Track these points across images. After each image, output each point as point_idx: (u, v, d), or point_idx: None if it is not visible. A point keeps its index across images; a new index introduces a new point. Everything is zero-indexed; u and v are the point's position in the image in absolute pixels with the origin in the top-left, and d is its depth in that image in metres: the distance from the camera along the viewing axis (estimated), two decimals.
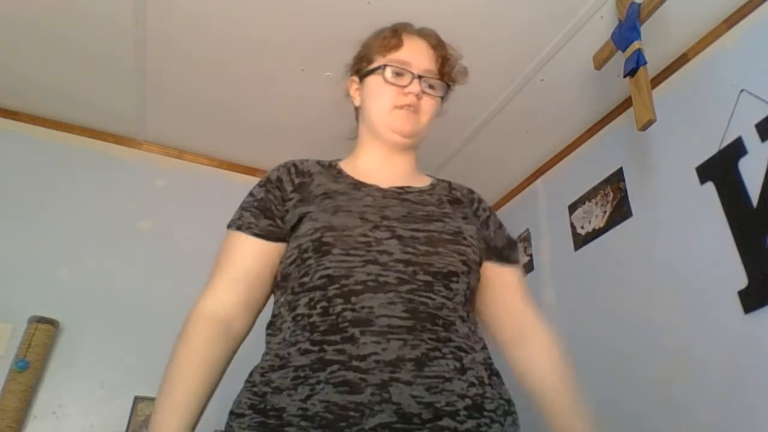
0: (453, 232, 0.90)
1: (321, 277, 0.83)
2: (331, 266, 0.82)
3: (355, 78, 1.08)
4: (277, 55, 1.92)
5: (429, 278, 0.83)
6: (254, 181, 2.73)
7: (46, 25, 1.83)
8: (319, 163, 1.02)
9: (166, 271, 2.16)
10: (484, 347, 0.89)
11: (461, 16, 1.73)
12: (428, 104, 1.00)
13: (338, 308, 0.79)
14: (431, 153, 2.34)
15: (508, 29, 1.77)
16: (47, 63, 1.99)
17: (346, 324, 0.78)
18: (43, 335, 1.84)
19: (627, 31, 1.59)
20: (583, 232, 2.09)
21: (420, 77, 0.98)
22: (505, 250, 1.02)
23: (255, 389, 0.80)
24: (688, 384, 1.52)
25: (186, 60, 1.95)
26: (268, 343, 0.87)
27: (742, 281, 1.44)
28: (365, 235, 0.85)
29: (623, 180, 1.95)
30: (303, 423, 0.72)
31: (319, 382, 0.75)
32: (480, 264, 0.95)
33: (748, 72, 1.57)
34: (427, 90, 1.00)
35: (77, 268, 2.06)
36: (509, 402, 0.86)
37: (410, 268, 0.83)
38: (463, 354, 0.81)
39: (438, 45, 1.05)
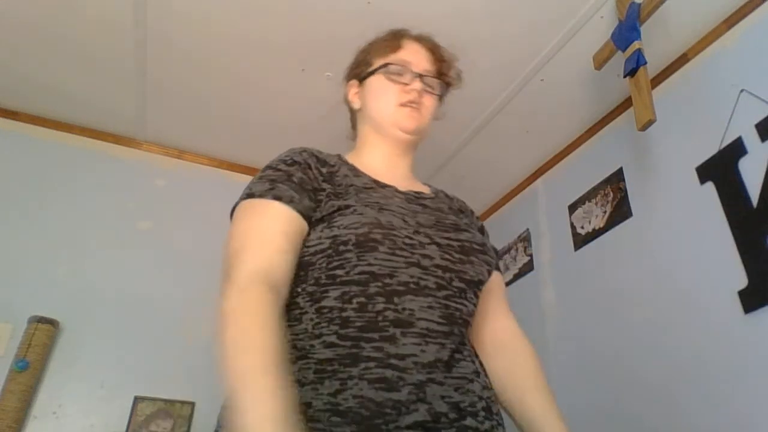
0: (480, 243, 0.94)
1: (362, 273, 0.80)
2: (375, 263, 0.81)
3: (355, 81, 1.09)
4: (277, 56, 1.92)
5: (463, 285, 0.86)
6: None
7: (47, 25, 1.83)
8: (340, 158, 1.00)
9: (166, 271, 2.16)
10: (477, 354, 0.92)
11: (461, 16, 1.73)
12: (429, 102, 1.03)
13: (379, 306, 0.78)
14: (431, 153, 2.34)
15: (508, 29, 1.77)
16: (47, 63, 1.99)
17: (387, 323, 0.77)
18: (43, 335, 1.84)
19: (627, 31, 1.59)
20: (583, 232, 2.09)
21: (421, 76, 1.01)
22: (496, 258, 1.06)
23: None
24: (688, 384, 1.52)
25: (186, 60, 1.95)
26: (286, 336, 0.77)
27: (742, 281, 1.44)
28: (410, 238, 0.85)
29: (623, 180, 1.95)
30: (334, 419, 0.70)
31: (351, 378, 0.73)
32: None
33: (748, 72, 1.57)
34: (428, 88, 1.02)
35: (77, 268, 2.06)
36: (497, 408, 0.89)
37: (447, 275, 0.85)
38: (476, 358, 0.86)
39: (435, 48, 1.08)
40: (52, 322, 1.88)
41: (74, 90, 2.12)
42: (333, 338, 0.76)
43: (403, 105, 0.99)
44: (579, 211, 2.14)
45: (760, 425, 1.31)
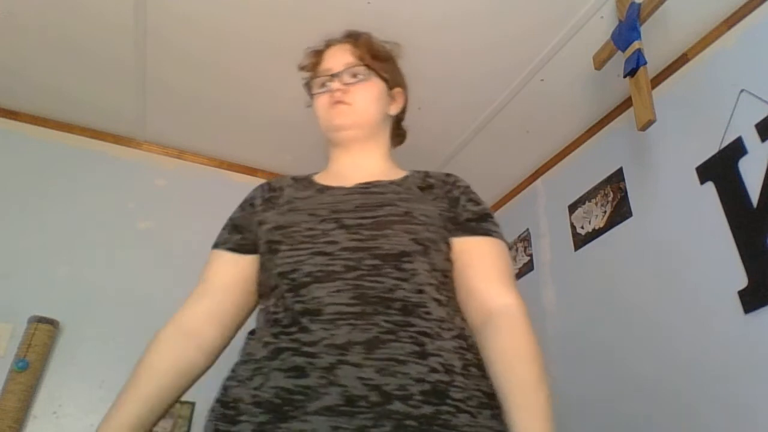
0: (401, 213, 0.89)
1: (276, 276, 0.86)
2: (281, 263, 0.86)
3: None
4: (277, 56, 1.92)
5: (378, 261, 0.83)
6: (254, 180, 2.74)
7: (47, 25, 1.83)
8: (294, 178, 1.07)
9: (166, 271, 2.16)
10: (460, 336, 0.84)
11: (461, 16, 1.73)
12: (359, 92, 1.03)
13: (289, 301, 0.83)
14: (431, 153, 2.34)
15: (508, 29, 1.77)
16: (47, 63, 1.99)
17: (299, 314, 0.81)
18: (43, 335, 1.84)
19: (627, 31, 1.59)
20: (583, 232, 2.09)
21: (338, 74, 1.03)
22: (472, 222, 0.96)
23: (224, 384, 0.84)
24: (687, 384, 1.52)
25: (186, 60, 1.95)
26: (244, 346, 0.90)
27: (742, 281, 1.44)
28: (312, 229, 0.87)
29: (623, 180, 1.95)
30: (255, 410, 0.75)
31: (272, 370, 0.77)
32: (446, 243, 0.92)
33: (748, 72, 1.57)
34: (351, 80, 1.03)
35: (77, 268, 2.06)
36: (490, 396, 0.80)
37: (357, 254, 0.83)
38: (427, 339, 0.79)
39: (351, 37, 1.10)
40: (52, 322, 1.88)
41: (74, 90, 2.12)
42: (268, 337, 0.82)
43: (330, 108, 1.03)
44: (579, 211, 2.14)
45: (761, 425, 1.31)
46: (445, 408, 0.74)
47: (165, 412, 0.86)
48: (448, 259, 0.92)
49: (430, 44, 1.83)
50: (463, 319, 0.89)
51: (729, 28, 1.67)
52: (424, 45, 1.84)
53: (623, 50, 1.62)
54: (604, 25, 1.72)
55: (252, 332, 0.91)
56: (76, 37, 1.87)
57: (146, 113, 2.23)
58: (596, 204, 2.06)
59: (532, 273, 2.31)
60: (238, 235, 0.99)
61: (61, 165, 2.22)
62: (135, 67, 1.99)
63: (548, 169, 2.39)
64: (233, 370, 0.85)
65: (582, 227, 2.10)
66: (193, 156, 2.45)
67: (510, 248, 2.52)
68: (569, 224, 2.17)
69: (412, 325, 0.79)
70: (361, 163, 1.04)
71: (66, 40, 1.89)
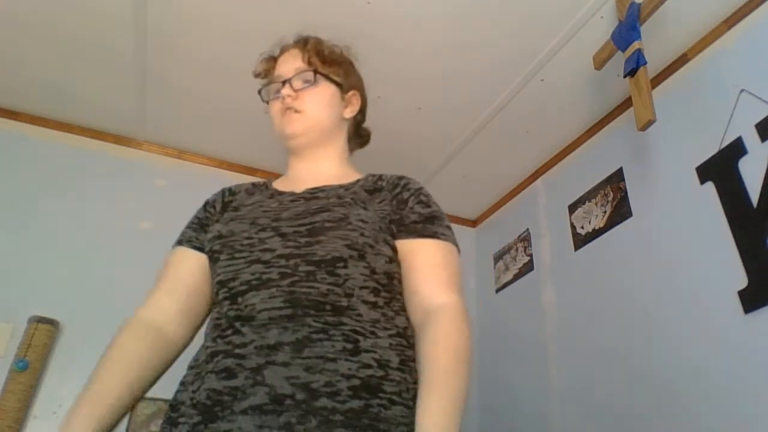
0: (336, 219, 0.89)
1: (216, 284, 0.89)
2: (221, 272, 0.89)
3: None
4: None
5: (312, 268, 0.84)
6: (254, 181, 2.72)
7: (46, 24, 1.83)
8: (253, 183, 1.09)
9: None
10: (399, 335, 0.85)
11: (461, 16, 1.73)
12: (308, 98, 1.03)
13: (225, 309, 0.85)
14: (431, 153, 2.35)
15: (508, 29, 1.77)
16: (47, 63, 1.99)
17: (233, 321, 0.83)
18: (43, 335, 1.84)
19: (627, 31, 1.59)
20: (583, 232, 2.09)
21: (288, 81, 1.03)
22: (417, 224, 0.95)
23: (177, 389, 0.87)
24: (687, 384, 1.52)
25: (186, 60, 1.95)
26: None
27: (742, 281, 1.44)
28: (250, 238, 0.89)
29: (623, 180, 1.95)
30: (190, 411, 0.78)
31: (207, 373, 0.80)
32: (388, 245, 0.92)
33: (748, 72, 1.57)
34: (302, 86, 1.03)
35: (77, 268, 2.06)
36: None
37: (292, 261, 0.85)
38: (360, 337, 0.80)
39: (301, 42, 1.10)
40: (52, 322, 1.88)
41: (74, 90, 2.12)
42: (209, 342, 0.86)
43: (281, 117, 1.03)
44: (579, 211, 2.14)
45: (761, 425, 1.31)
46: (376, 401, 0.75)
47: (129, 409, 0.89)
48: (392, 261, 0.92)
49: (430, 44, 1.83)
50: (407, 319, 0.90)
51: (729, 28, 1.67)
52: (423, 45, 1.84)
53: (623, 50, 1.61)
54: (604, 25, 1.72)
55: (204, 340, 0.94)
56: (76, 36, 1.87)
57: (146, 113, 2.23)
58: (596, 204, 2.06)
59: (532, 273, 2.31)
60: (204, 234, 1.01)
61: (61, 165, 2.22)
62: (135, 67, 1.99)
63: (548, 169, 2.39)
64: (183, 377, 0.88)
65: (582, 227, 2.10)
66: (193, 156, 2.45)
67: (510, 248, 2.52)
68: (569, 224, 2.17)
69: (344, 324, 0.81)
70: (315, 167, 1.05)
71: (66, 39, 1.89)
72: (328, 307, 0.81)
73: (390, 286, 0.90)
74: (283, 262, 0.84)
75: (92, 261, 2.09)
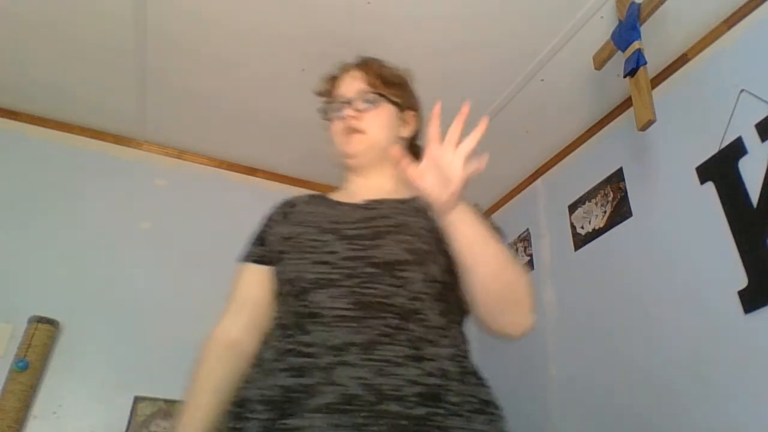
0: (397, 224, 0.93)
1: (283, 282, 0.93)
2: (287, 270, 0.93)
3: None
4: (278, 55, 1.92)
5: (373, 270, 0.87)
6: (254, 180, 2.73)
7: (47, 24, 1.83)
8: (312, 195, 1.12)
9: (166, 271, 2.16)
10: (457, 345, 0.89)
11: (461, 16, 1.73)
12: (371, 119, 1.08)
13: (294, 305, 0.88)
14: None
15: (508, 29, 1.77)
16: (47, 63, 1.99)
17: (300, 318, 0.86)
18: (43, 335, 1.84)
19: (627, 31, 1.59)
20: (583, 232, 2.09)
21: (351, 101, 1.08)
22: None
23: (238, 388, 0.90)
24: (688, 384, 1.52)
25: (186, 60, 1.95)
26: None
27: (742, 281, 1.44)
28: (314, 240, 0.93)
29: (623, 180, 1.95)
30: (259, 407, 0.80)
31: (276, 370, 0.83)
32: (444, 256, 0.92)
33: (748, 72, 1.57)
34: (363, 106, 1.08)
35: (77, 268, 2.06)
36: (486, 403, 0.85)
37: (354, 263, 0.88)
38: (423, 344, 0.82)
39: (364, 64, 1.15)
40: (52, 322, 1.88)
41: (74, 90, 2.12)
42: (275, 342, 0.88)
43: (343, 136, 1.08)
44: (579, 211, 2.14)
45: (761, 425, 1.31)
46: (439, 410, 0.77)
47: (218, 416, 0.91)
48: (449, 272, 0.93)
49: (430, 44, 1.83)
50: (463, 331, 0.95)
51: (729, 28, 1.67)
52: (423, 45, 1.84)
53: (623, 50, 1.61)
54: (604, 25, 1.72)
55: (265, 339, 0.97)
56: (76, 36, 1.87)
57: (146, 113, 2.23)
58: (596, 204, 2.06)
59: (532, 273, 2.31)
60: (261, 248, 1.05)
61: (61, 165, 2.22)
62: (135, 67, 1.99)
63: (548, 169, 2.39)
64: (246, 375, 0.90)
65: (582, 227, 2.10)
66: (193, 156, 2.45)
67: (510, 248, 2.52)
68: (569, 224, 2.17)
69: (410, 330, 0.83)
70: (372, 184, 1.08)
71: (66, 39, 1.89)
72: (393, 310, 0.84)
73: (448, 295, 0.93)
74: (347, 263, 0.88)
75: (92, 261, 2.09)
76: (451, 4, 1.70)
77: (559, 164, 2.33)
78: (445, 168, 0.84)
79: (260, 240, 1.07)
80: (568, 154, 2.28)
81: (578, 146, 2.23)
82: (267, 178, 2.53)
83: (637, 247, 1.82)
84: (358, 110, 1.07)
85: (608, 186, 2.02)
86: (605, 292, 1.91)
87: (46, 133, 2.25)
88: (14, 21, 1.83)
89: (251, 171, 2.51)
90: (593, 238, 2.02)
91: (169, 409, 1.93)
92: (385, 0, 1.69)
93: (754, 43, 1.58)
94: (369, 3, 1.70)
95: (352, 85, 1.11)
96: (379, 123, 1.08)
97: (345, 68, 1.16)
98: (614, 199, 1.97)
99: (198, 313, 2.10)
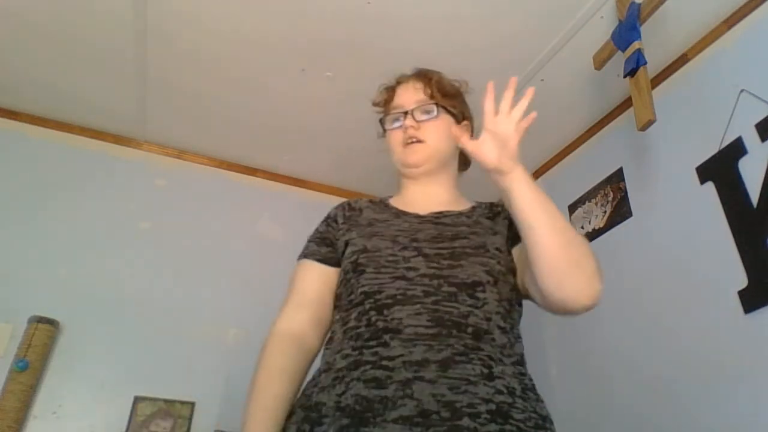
0: (476, 246, 0.97)
1: (360, 294, 0.94)
2: (366, 284, 0.94)
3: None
4: (278, 55, 1.92)
5: (453, 289, 0.90)
6: (254, 181, 2.73)
7: (47, 24, 1.83)
8: (371, 201, 1.14)
9: (166, 271, 2.16)
10: (519, 362, 0.92)
11: (461, 16, 1.73)
12: (430, 129, 1.10)
13: (373, 319, 0.89)
14: None
15: (508, 29, 1.77)
16: (47, 63, 1.99)
17: (380, 332, 0.87)
18: (43, 335, 1.84)
19: (627, 31, 1.59)
20: (583, 232, 2.09)
21: (410, 112, 1.10)
22: None
23: (306, 391, 0.91)
24: (688, 384, 1.52)
25: (186, 60, 1.95)
26: (323, 356, 0.98)
27: (742, 281, 1.44)
28: (394, 255, 0.95)
29: (623, 180, 1.95)
30: (337, 413, 0.82)
31: (352, 380, 0.84)
32: (512, 273, 1.00)
33: (748, 72, 1.57)
34: (423, 117, 1.10)
35: (77, 268, 2.06)
36: (544, 418, 0.88)
37: (435, 281, 0.91)
38: (493, 363, 0.86)
39: (423, 76, 1.16)
40: (52, 322, 1.88)
41: (74, 90, 2.12)
42: (348, 350, 0.89)
43: (404, 146, 1.10)
44: (579, 211, 2.14)
45: (761, 425, 1.31)
46: (508, 427, 0.80)
47: (287, 411, 0.92)
48: (514, 290, 1.00)
49: (430, 44, 1.83)
50: (522, 345, 0.99)
51: (729, 28, 1.67)
52: (423, 45, 1.84)
53: (623, 50, 1.61)
54: (604, 25, 1.71)
55: (327, 343, 0.99)
56: (76, 37, 1.87)
57: (146, 113, 2.23)
58: (596, 204, 2.06)
59: None
60: (326, 248, 1.07)
61: (61, 165, 2.22)
62: (135, 67, 1.99)
63: (548, 169, 2.39)
64: (314, 379, 0.92)
65: (582, 227, 2.10)
66: (193, 156, 2.45)
67: None
68: None
69: (482, 349, 0.86)
70: (431, 191, 1.11)
71: (66, 40, 1.89)
72: (469, 330, 0.87)
73: (512, 312, 0.99)
74: (426, 281, 0.91)
75: (92, 261, 2.09)
76: (451, 5, 1.70)
77: (559, 164, 2.33)
78: (501, 134, 0.92)
79: (324, 240, 1.08)
80: (568, 154, 2.28)
81: (578, 146, 2.23)
82: (267, 178, 2.53)
83: (637, 247, 1.82)
84: (417, 121, 1.09)
85: (608, 186, 2.02)
86: (605, 292, 1.90)
87: (46, 133, 2.25)
88: (14, 21, 1.83)
89: (251, 171, 2.51)
90: (593, 238, 2.02)
91: (169, 409, 1.93)
92: (385, 1, 1.69)
93: (754, 43, 1.58)
94: (369, 3, 1.70)
95: (411, 96, 1.13)
96: (438, 133, 1.10)
97: (402, 79, 1.18)
98: (614, 199, 1.97)
99: (198, 313, 2.12)
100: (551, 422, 0.90)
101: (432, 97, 1.12)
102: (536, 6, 1.68)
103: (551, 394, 2.00)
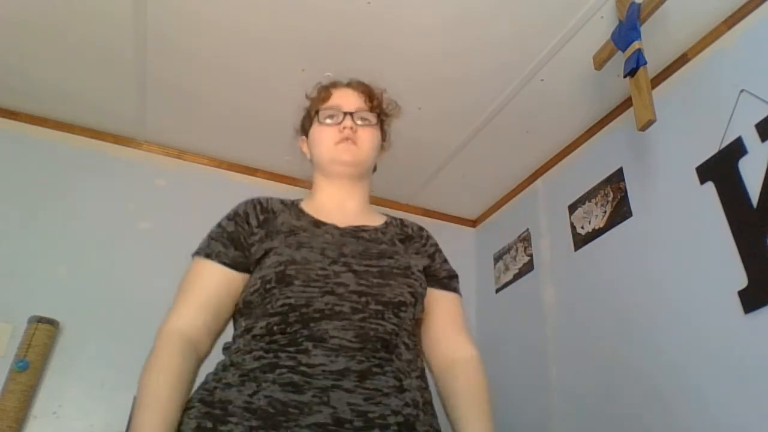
0: (403, 267, 0.99)
1: (283, 305, 0.91)
2: (292, 296, 0.91)
3: (304, 137, 1.22)
4: (278, 55, 1.92)
5: (380, 307, 0.92)
6: (254, 181, 2.73)
7: (47, 25, 1.83)
8: (282, 201, 1.12)
9: (166, 271, 2.14)
10: (421, 376, 0.96)
11: (461, 16, 1.73)
12: (365, 134, 1.12)
13: (296, 328, 0.88)
14: (432, 153, 2.34)
15: (507, 29, 1.77)
16: (48, 63, 1.99)
17: (302, 339, 0.87)
18: (43, 335, 1.84)
19: (627, 31, 1.59)
20: (583, 232, 2.09)
21: (350, 113, 1.11)
22: (446, 280, 1.12)
23: (206, 386, 0.89)
24: (688, 384, 1.52)
25: (186, 60, 1.95)
26: (224, 357, 0.95)
27: (742, 281, 1.44)
28: (324, 269, 0.94)
29: (623, 180, 1.95)
30: (246, 414, 0.80)
31: (266, 382, 0.83)
32: (424, 296, 1.03)
33: (748, 72, 1.57)
34: (360, 122, 1.12)
35: (77, 268, 2.06)
36: None
37: (363, 299, 0.92)
38: (402, 376, 0.89)
39: (363, 86, 1.19)
40: (52, 322, 1.88)
41: (74, 90, 2.12)
42: (261, 352, 0.87)
43: (338, 143, 1.10)
44: (579, 211, 2.14)
45: (761, 425, 1.31)
46: None
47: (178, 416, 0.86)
48: (422, 309, 1.04)
49: (430, 44, 1.83)
50: (422, 361, 1.01)
51: (729, 28, 1.67)
52: (424, 45, 1.84)
53: (623, 50, 1.61)
54: (604, 25, 1.72)
55: (226, 349, 0.96)
56: (76, 36, 1.87)
57: (146, 113, 2.23)
58: (596, 204, 2.06)
59: (532, 273, 2.31)
60: (234, 251, 1.01)
61: (61, 165, 2.22)
62: (135, 68, 1.99)
63: (548, 169, 2.39)
64: (216, 374, 0.90)
65: (582, 227, 2.10)
66: (193, 156, 2.45)
67: (510, 248, 2.52)
68: (569, 224, 2.17)
69: (393, 362, 0.89)
70: (347, 201, 1.12)
71: (66, 39, 1.89)
72: (386, 345, 0.90)
73: (415, 330, 1.01)
74: (355, 297, 0.91)
75: (92, 261, 2.09)
76: (451, 5, 1.70)
77: (559, 164, 2.33)
78: None
79: (233, 241, 1.02)
80: (568, 154, 2.28)
81: (578, 146, 2.23)
82: (267, 178, 2.53)
83: (637, 247, 1.82)
84: (356, 124, 1.11)
85: (608, 186, 2.02)
86: (605, 292, 1.91)
87: (46, 133, 2.25)
88: (15, 22, 1.83)
89: (251, 171, 2.51)
90: (593, 238, 2.02)
91: None
92: (385, 1, 1.69)
93: (754, 43, 1.58)
94: (369, 3, 1.70)
95: (353, 100, 1.14)
96: (371, 142, 1.13)
97: (337, 83, 1.20)
98: (614, 199, 1.97)
99: None
100: None
101: (372, 108, 1.15)
102: (536, 6, 1.68)
103: (551, 394, 2.02)
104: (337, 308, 0.90)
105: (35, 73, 2.04)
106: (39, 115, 2.25)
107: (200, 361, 0.94)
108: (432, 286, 1.08)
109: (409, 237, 1.13)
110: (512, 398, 2.18)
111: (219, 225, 1.08)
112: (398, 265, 0.99)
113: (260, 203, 1.10)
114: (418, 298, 0.99)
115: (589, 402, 1.84)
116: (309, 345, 0.86)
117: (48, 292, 1.97)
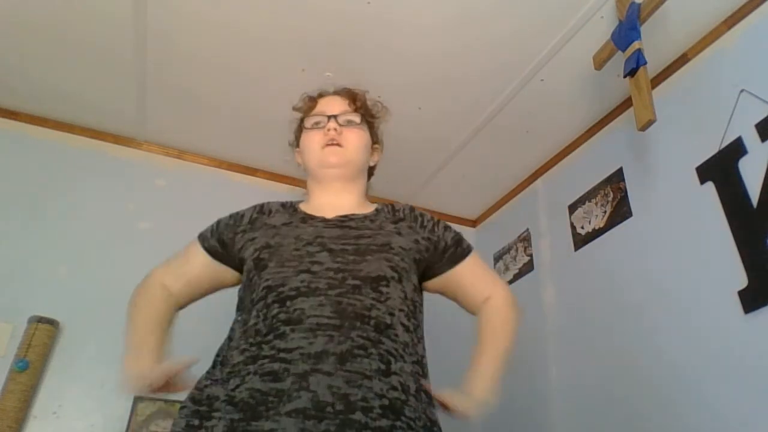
0: (380, 244, 1.00)
1: (263, 289, 0.94)
2: (269, 278, 0.95)
3: (297, 148, 1.26)
4: (278, 55, 1.92)
5: (358, 282, 0.93)
6: (254, 181, 2.73)
7: (47, 24, 1.83)
8: (282, 204, 1.17)
9: None
10: (418, 362, 0.95)
11: (461, 16, 1.73)
12: (351, 135, 1.15)
13: (274, 311, 0.90)
14: (432, 152, 2.34)
15: (507, 29, 1.77)
16: (48, 63, 1.99)
17: (280, 323, 0.88)
18: (43, 335, 1.84)
19: (627, 31, 1.59)
20: (583, 232, 2.09)
21: (335, 116, 1.15)
22: (455, 250, 1.14)
23: (199, 385, 0.92)
24: (687, 384, 1.52)
25: (186, 60, 1.95)
26: (218, 353, 0.99)
27: (742, 281, 1.44)
28: (298, 250, 0.97)
29: (623, 180, 1.95)
30: (228, 407, 0.82)
31: (248, 374, 0.85)
32: (415, 275, 1.05)
33: (748, 72, 1.57)
34: (346, 123, 1.15)
35: (77, 268, 2.06)
36: (434, 423, 0.91)
37: (340, 275, 0.93)
38: (392, 358, 0.89)
39: (346, 91, 1.22)
40: (52, 322, 1.88)
41: (74, 90, 2.12)
42: (245, 346, 0.90)
43: (324, 147, 1.13)
44: (579, 211, 2.14)
45: (761, 425, 1.31)
46: (399, 423, 0.83)
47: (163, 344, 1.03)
48: (416, 291, 1.04)
49: (430, 44, 1.83)
50: (424, 348, 1.01)
51: (729, 28, 1.67)
52: (423, 45, 1.84)
53: (623, 50, 1.61)
54: (604, 25, 1.71)
55: (225, 344, 0.99)
56: (75, 36, 1.87)
57: (146, 113, 2.23)
58: (596, 204, 2.06)
59: (532, 273, 2.31)
60: (214, 241, 1.13)
61: (61, 165, 2.22)
62: (135, 68, 1.99)
63: (548, 169, 2.38)
64: (208, 373, 0.93)
65: (582, 227, 2.10)
66: (193, 156, 2.45)
67: (510, 248, 2.52)
68: (569, 224, 2.17)
69: (382, 343, 0.88)
70: (340, 201, 1.13)
71: (66, 39, 1.89)
72: (372, 322, 0.89)
73: (415, 313, 1.01)
74: (331, 274, 0.92)
75: (92, 261, 2.09)
76: (451, 5, 1.70)
77: (559, 164, 2.33)
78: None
79: (221, 233, 1.12)
80: (568, 154, 2.28)
81: (578, 146, 2.23)
82: (267, 178, 2.53)
83: (637, 247, 1.82)
84: (340, 125, 1.13)
85: (608, 186, 2.02)
86: (605, 292, 1.91)
87: (46, 133, 2.25)
88: (15, 21, 1.83)
89: (251, 171, 2.51)
90: (593, 238, 2.02)
91: (169, 409, 1.92)
92: (385, 1, 1.69)
93: (754, 43, 1.58)
94: (369, 3, 1.70)
95: (337, 104, 1.18)
96: (357, 142, 1.15)
97: (324, 92, 1.24)
98: (614, 199, 1.97)
99: (197, 313, 2.11)
100: (440, 428, 0.93)
101: (356, 110, 1.17)
102: (536, 6, 1.68)
103: (551, 394, 2.01)
104: (313, 285, 0.91)
105: (35, 73, 2.04)
106: (39, 115, 2.25)
107: (174, 313, 1.11)
108: (446, 267, 1.11)
109: (401, 218, 1.13)
110: (512, 398, 2.18)
111: (219, 218, 1.18)
112: (375, 242, 1.00)
113: (261, 206, 1.16)
114: (402, 274, 0.99)
115: (589, 402, 1.84)
116: (286, 329, 0.86)
117: (48, 292, 1.97)
